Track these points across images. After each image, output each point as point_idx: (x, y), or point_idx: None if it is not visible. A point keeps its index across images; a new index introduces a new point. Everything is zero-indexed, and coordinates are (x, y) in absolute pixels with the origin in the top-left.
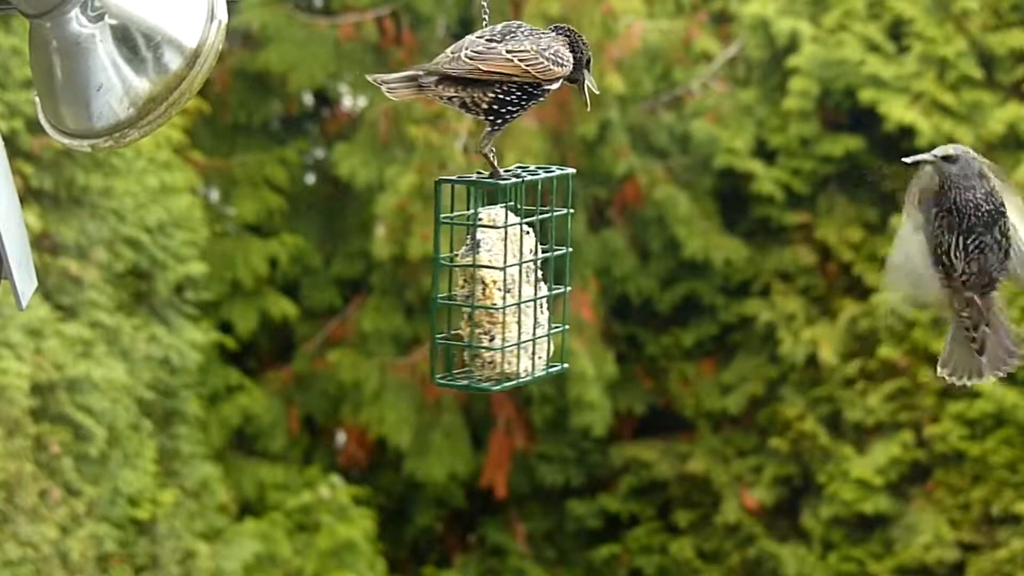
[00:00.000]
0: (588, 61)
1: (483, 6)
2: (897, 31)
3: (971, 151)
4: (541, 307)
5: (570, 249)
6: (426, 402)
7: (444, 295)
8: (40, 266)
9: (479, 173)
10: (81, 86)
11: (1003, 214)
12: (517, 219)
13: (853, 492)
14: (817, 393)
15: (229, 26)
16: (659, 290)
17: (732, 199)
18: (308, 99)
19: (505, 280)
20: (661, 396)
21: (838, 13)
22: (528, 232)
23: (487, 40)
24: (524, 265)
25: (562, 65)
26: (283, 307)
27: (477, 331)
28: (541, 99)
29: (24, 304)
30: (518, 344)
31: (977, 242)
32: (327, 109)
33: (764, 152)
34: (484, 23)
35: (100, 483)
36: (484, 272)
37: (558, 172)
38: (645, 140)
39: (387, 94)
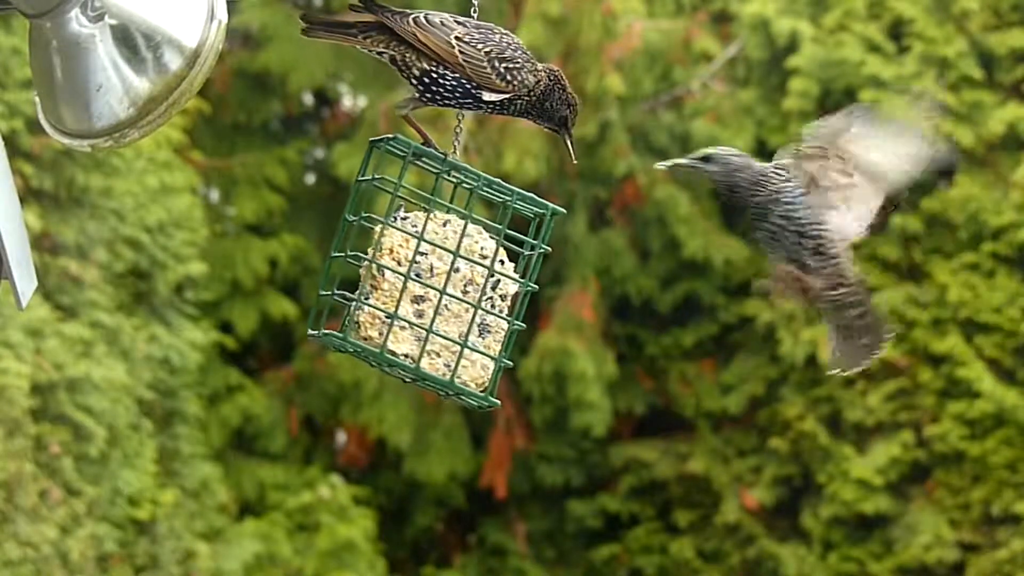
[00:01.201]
0: (567, 121)
1: (473, 4)
2: (897, 31)
3: (733, 149)
4: (484, 332)
5: (530, 287)
6: (426, 402)
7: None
8: (40, 266)
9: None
10: (81, 86)
11: (778, 199)
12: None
13: (853, 492)
14: (817, 393)
15: (229, 26)
16: (659, 290)
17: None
18: (308, 99)
19: (416, 253)
20: (661, 396)
21: (838, 13)
22: (493, 258)
23: (460, 25)
24: (463, 272)
25: (508, 82)
26: (283, 307)
27: (359, 292)
28: (480, 108)
29: (24, 304)
30: (392, 317)
31: (764, 235)
32: (327, 109)
33: (764, 152)
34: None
35: (100, 483)
36: (387, 239)
37: (536, 210)
38: (645, 140)
39: (303, 34)
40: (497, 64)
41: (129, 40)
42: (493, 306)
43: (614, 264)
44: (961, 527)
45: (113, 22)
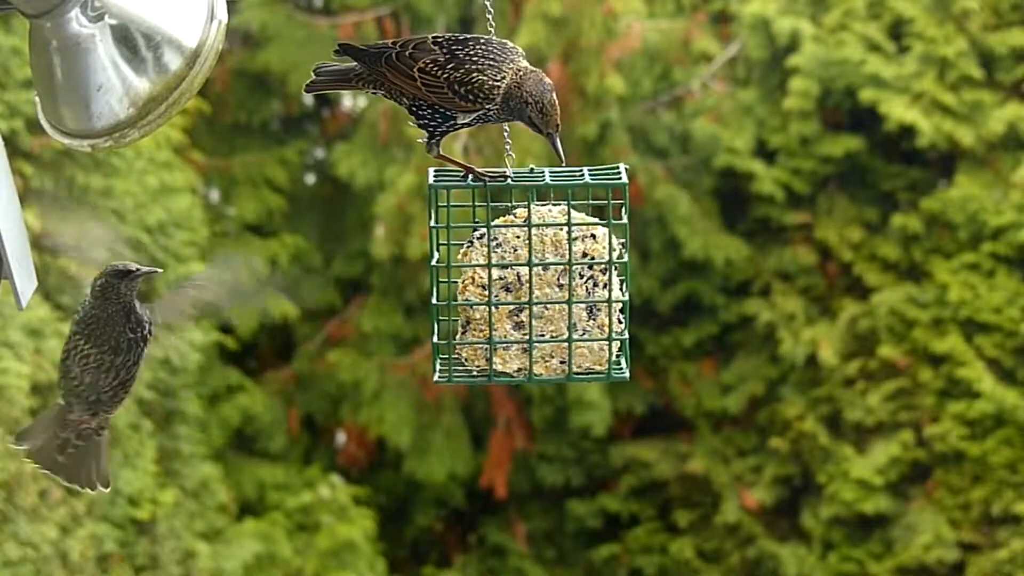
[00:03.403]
0: (532, 120)
1: (487, 6)
2: (897, 31)
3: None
4: (594, 312)
5: (617, 261)
6: (426, 402)
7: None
8: (40, 266)
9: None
10: (81, 86)
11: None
12: (551, 220)
13: (853, 492)
14: (817, 393)
15: (229, 26)
16: (659, 290)
17: (732, 199)
18: (308, 99)
19: (489, 278)
20: (661, 396)
21: (838, 13)
22: (582, 236)
23: (438, 44)
24: (553, 267)
25: (471, 101)
26: (283, 307)
27: (457, 327)
28: (463, 124)
29: (24, 304)
30: (490, 344)
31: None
32: (327, 109)
33: (764, 152)
34: (489, 24)
35: None
36: (467, 268)
37: (590, 178)
38: (645, 140)
39: (306, 91)
40: (457, 88)
41: (129, 40)
42: (595, 284)
43: None
44: (961, 527)
45: (113, 22)
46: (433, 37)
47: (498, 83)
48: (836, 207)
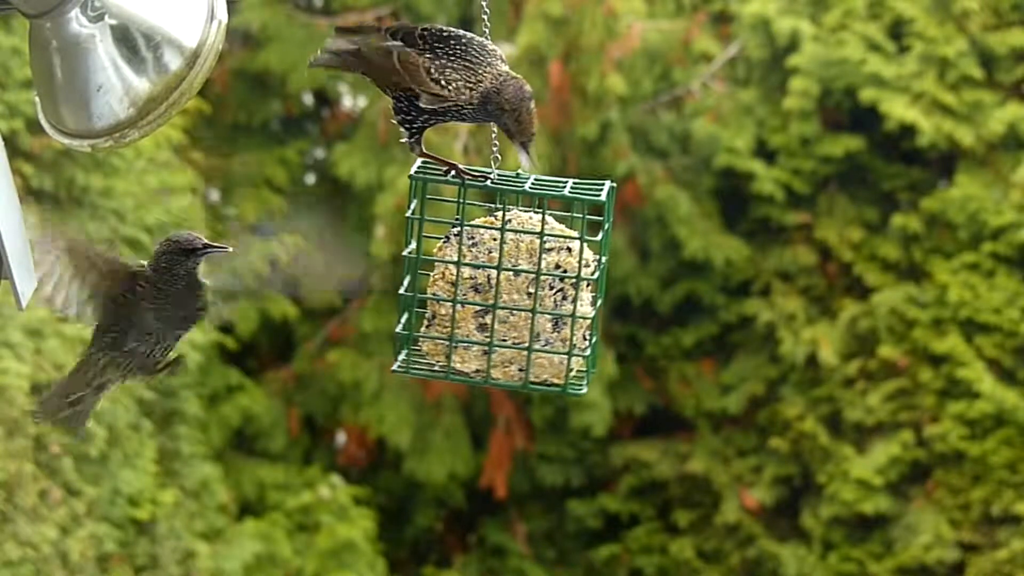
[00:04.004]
0: (508, 127)
1: (483, 6)
2: (898, 31)
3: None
4: (559, 324)
5: (587, 277)
6: (426, 402)
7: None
8: None
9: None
10: (81, 86)
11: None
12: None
13: (853, 492)
14: (817, 393)
15: (229, 26)
16: (659, 290)
17: (732, 199)
18: (308, 99)
19: (458, 276)
20: (661, 396)
21: (839, 13)
22: (558, 248)
23: (424, 41)
24: (524, 274)
25: (444, 87)
26: (283, 307)
27: (423, 320)
28: (437, 119)
29: (24, 304)
30: (451, 341)
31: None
32: (327, 109)
33: (764, 152)
34: (485, 24)
35: (100, 483)
36: (440, 266)
37: (577, 192)
38: (645, 140)
39: (310, 65)
40: (433, 71)
41: (129, 40)
42: (564, 296)
43: (614, 264)
44: (961, 527)
45: (113, 22)
46: (421, 28)
47: (471, 86)
48: (836, 207)
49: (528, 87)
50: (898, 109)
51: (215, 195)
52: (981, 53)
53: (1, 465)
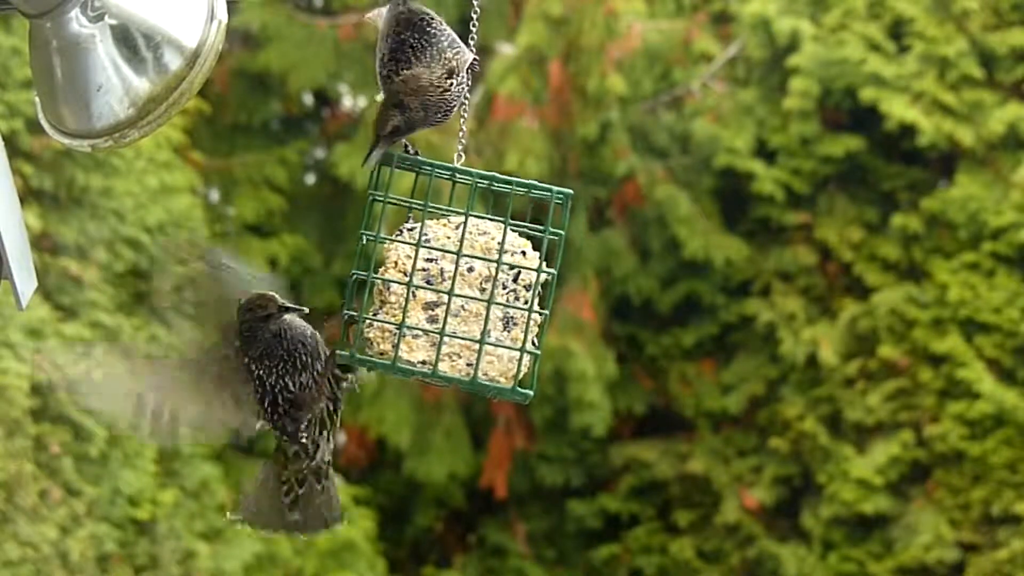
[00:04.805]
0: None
1: (474, 5)
2: (898, 30)
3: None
4: (509, 325)
5: (549, 274)
6: (426, 402)
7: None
8: (40, 266)
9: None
10: (81, 86)
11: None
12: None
13: (853, 492)
14: (817, 393)
15: (229, 26)
16: (659, 290)
17: (732, 199)
18: (308, 99)
19: (415, 264)
20: (661, 396)
21: (839, 12)
22: (512, 251)
23: (400, 26)
24: (477, 271)
25: (383, 79)
26: None
27: (371, 307)
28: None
29: (24, 304)
30: (399, 328)
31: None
32: (327, 109)
33: (764, 152)
34: (473, 24)
35: (100, 483)
36: (392, 253)
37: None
38: (645, 140)
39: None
40: (380, 69)
41: (129, 40)
42: (517, 298)
43: (614, 264)
44: (961, 527)
45: (113, 22)
46: (399, 12)
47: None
48: (836, 207)
49: (424, 84)
50: (898, 109)
51: (215, 195)
52: (981, 53)
53: (1, 465)
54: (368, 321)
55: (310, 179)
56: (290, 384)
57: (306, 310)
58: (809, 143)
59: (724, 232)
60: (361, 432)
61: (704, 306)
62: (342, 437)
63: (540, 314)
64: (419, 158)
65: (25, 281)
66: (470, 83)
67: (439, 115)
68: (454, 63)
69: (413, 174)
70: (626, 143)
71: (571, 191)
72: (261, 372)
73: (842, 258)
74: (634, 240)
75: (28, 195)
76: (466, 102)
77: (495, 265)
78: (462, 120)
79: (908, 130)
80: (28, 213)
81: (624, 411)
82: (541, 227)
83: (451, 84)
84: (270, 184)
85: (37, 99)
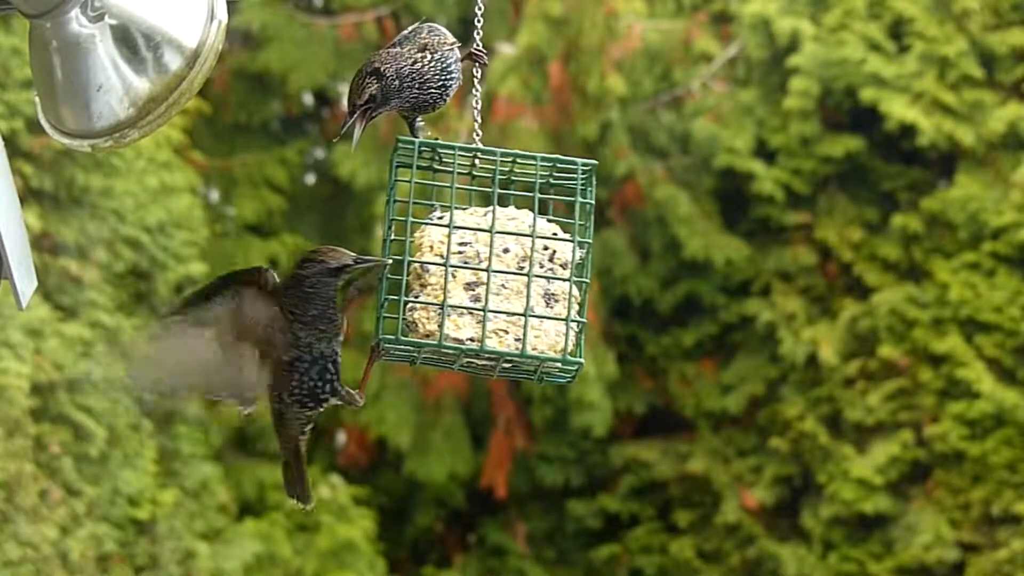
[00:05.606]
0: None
1: (478, 5)
2: (898, 30)
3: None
4: (551, 301)
5: (576, 241)
6: (426, 402)
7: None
8: (40, 266)
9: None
10: (81, 86)
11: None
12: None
13: (853, 492)
14: (817, 393)
15: (229, 26)
16: (659, 290)
17: (732, 199)
18: (308, 99)
19: (449, 247)
20: (661, 396)
21: (839, 12)
22: (533, 228)
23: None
24: (513, 252)
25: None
26: None
27: (411, 292)
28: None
29: (24, 304)
30: (443, 308)
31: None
32: (327, 109)
33: (764, 152)
34: (478, 22)
35: (100, 483)
36: (425, 239)
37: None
38: (645, 140)
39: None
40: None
41: (129, 40)
42: (555, 275)
43: (614, 264)
44: (961, 527)
45: (113, 22)
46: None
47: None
48: (836, 207)
49: (386, 70)
50: (898, 109)
51: (215, 195)
52: (981, 53)
53: (1, 465)
54: (410, 304)
55: (310, 179)
56: (339, 354)
57: (389, 261)
58: (809, 143)
59: (724, 232)
60: (361, 432)
61: (704, 306)
62: (342, 437)
63: (582, 283)
64: (440, 141)
65: (25, 281)
66: (478, 77)
67: (415, 88)
68: (427, 40)
69: (429, 172)
70: (626, 143)
71: (596, 161)
72: (311, 338)
73: (842, 258)
74: (634, 240)
75: (28, 195)
76: (476, 94)
77: (530, 244)
78: (475, 110)
79: (908, 130)
80: (28, 213)
81: (624, 411)
82: (570, 197)
83: (423, 57)
84: (270, 184)
85: (37, 99)
